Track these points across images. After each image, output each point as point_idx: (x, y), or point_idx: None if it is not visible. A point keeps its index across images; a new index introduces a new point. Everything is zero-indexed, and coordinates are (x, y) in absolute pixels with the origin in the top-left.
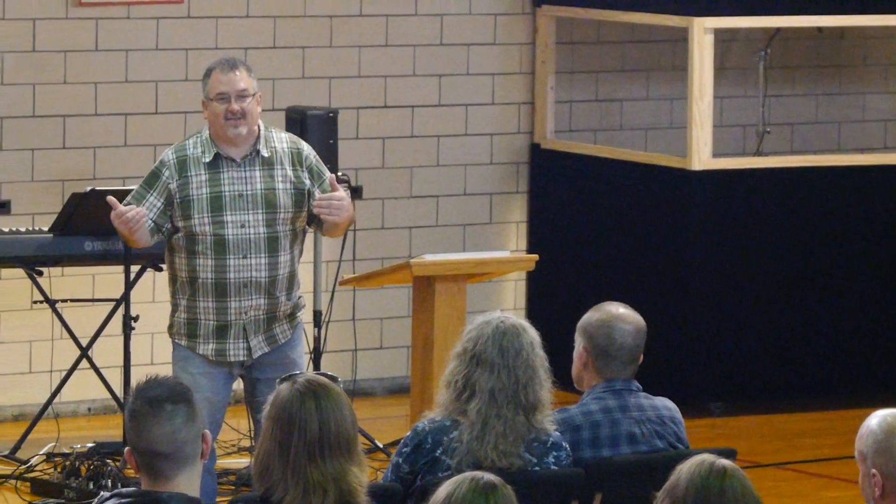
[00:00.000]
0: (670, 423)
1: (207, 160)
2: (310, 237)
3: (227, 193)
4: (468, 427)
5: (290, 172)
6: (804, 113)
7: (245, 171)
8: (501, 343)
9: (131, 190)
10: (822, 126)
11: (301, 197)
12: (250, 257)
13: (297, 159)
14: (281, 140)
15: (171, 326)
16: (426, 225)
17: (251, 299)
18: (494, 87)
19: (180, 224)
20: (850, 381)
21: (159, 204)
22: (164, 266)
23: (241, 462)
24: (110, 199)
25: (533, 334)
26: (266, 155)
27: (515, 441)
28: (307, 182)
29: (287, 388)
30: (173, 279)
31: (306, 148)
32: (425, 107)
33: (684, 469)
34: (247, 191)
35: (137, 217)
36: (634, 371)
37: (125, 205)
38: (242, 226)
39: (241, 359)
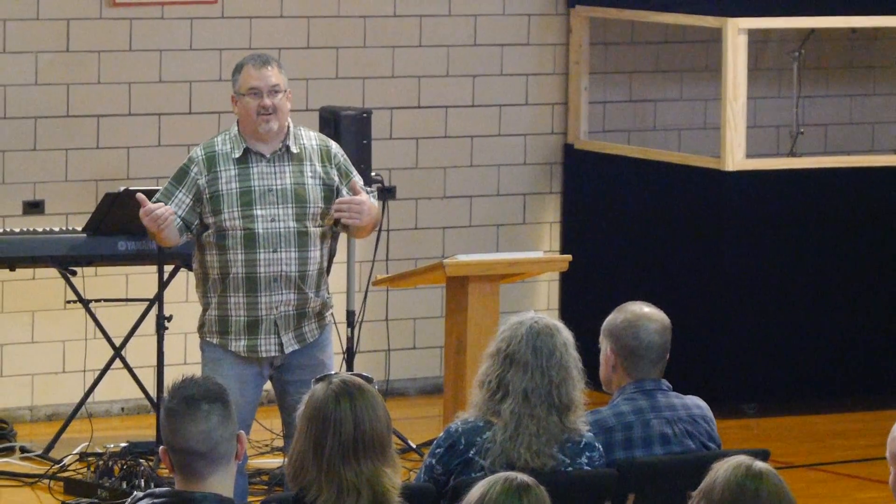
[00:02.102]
0: (702, 421)
1: (237, 156)
2: (343, 237)
3: (256, 188)
4: (501, 427)
5: (319, 168)
6: (838, 114)
7: (274, 166)
8: (535, 343)
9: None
10: (855, 127)
11: (330, 193)
12: (280, 251)
13: (326, 156)
14: (310, 138)
15: (201, 326)
16: (459, 225)
17: (281, 294)
18: (528, 87)
19: (210, 220)
20: (885, 382)
21: (188, 200)
22: (194, 266)
23: (275, 462)
24: (140, 196)
25: (566, 335)
26: (295, 151)
27: (548, 441)
28: (336, 179)
29: (322, 389)
30: (204, 278)
31: (335, 146)
32: (459, 107)
33: (720, 471)
34: (276, 185)
35: (166, 215)
36: (663, 370)
37: (154, 202)
38: (272, 220)
39: (273, 354)
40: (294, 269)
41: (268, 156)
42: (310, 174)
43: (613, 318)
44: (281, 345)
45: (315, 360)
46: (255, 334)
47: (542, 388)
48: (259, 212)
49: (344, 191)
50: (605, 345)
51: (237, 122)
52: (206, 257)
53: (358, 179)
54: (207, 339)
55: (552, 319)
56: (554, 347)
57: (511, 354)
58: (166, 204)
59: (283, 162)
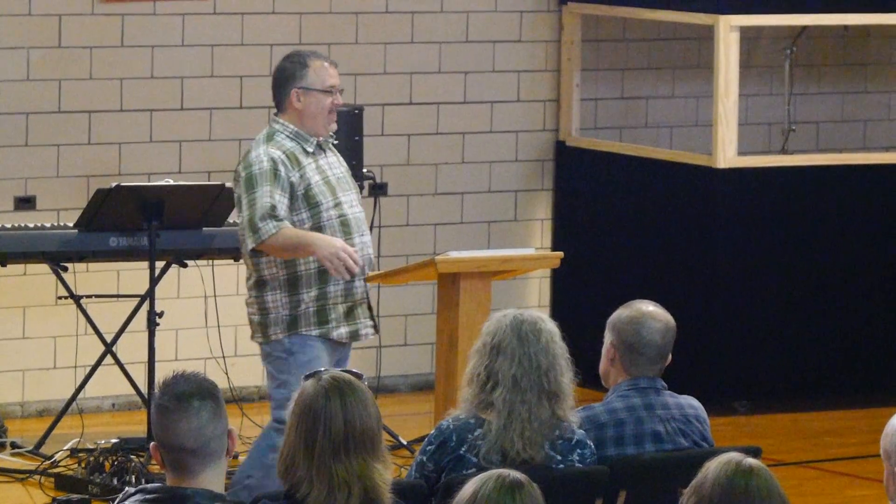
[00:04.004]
0: (695, 421)
1: (311, 149)
2: None
3: (331, 177)
4: (495, 416)
5: (342, 162)
6: (830, 111)
7: (328, 156)
8: (520, 330)
9: (157, 186)
10: (847, 124)
11: None
12: (364, 234)
13: (338, 154)
14: None
15: (293, 322)
16: (451, 222)
17: (366, 274)
18: (520, 84)
19: (305, 215)
20: (876, 379)
21: (286, 200)
22: (265, 274)
23: None
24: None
25: (551, 326)
26: (334, 142)
27: (540, 428)
28: None
29: (312, 385)
30: (292, 277)
31: None
32: (450, 104)
33: (711, 467)
34: (339, 173)
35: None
36: (661, 370)
37: (264, 205)
38: (351, 205)
39: (370, 336)
40: (370, 252)
41: (321, 146)
42: (343, 164)
43: (619, 312)
44: (374, 325)
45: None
46: (354, 319)
47: (530, 373)
48: (342, 198)
49: None
50: (607, 337)
51: (286, 117)
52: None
53: None
54: (304, 331)
55: (536, 312)
56: (539, 333)
57: (497, 345)
58: (274, 205)
59: (329, 152)
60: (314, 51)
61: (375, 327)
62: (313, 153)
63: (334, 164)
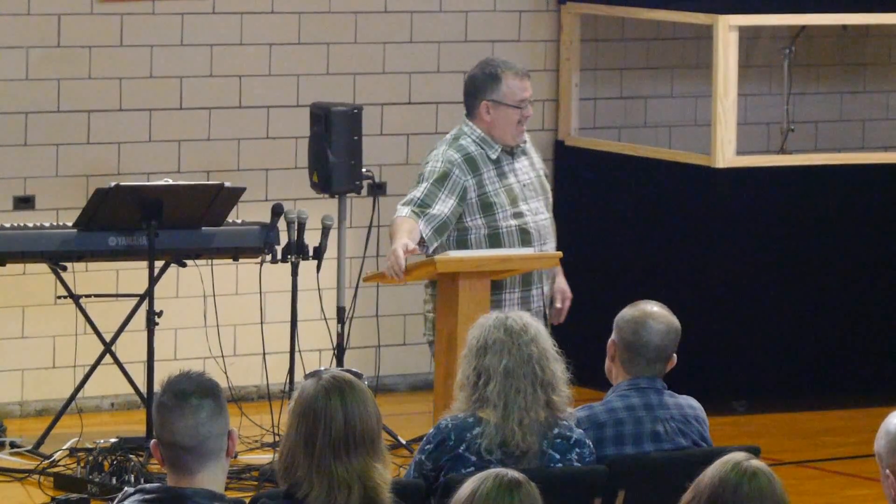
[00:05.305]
0: (694, 422)
1: (494, 156)
2: (333, 232)
3: (515, 185)
4: (492, 410)
5: (537, 162)
6: (828, 111)
7: (517, 161)
8: (506, 324)
9: (156, 185)
10: (846, 124)
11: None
12: (547, 243)
13: (535, 152)
14: None
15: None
16: None
17: (544, 284)
18: None
19: (480, 221)
20: (875, 379)
21: (451, 202)
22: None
23: (264, 458)
24: (409, 245)
25: (537, 322)
26: (525, 145)
27: (538, 415)
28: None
29: (312, 384)
30: None
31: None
32: (449, 103)
33: (713, 464)
34: (528, 179)
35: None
36: (662, 370)
37: (417, 202)
38: (536, 213)
39: None
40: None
41: (512, 152)
42: (537, 166)
43: (624, 311)
44: None
45: None
46: None
47: (522, 363)
48: (524, 207)
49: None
50: (613, 335)
51: (475, 122)
52: None
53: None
54: None
55: (520, 312)
56: (526, 327)
57: (484, 344)
58: (430, 205)
59: (521, 156)
60: (507, 60)
61: None
62: (497, 160)
63: (524, 168)
